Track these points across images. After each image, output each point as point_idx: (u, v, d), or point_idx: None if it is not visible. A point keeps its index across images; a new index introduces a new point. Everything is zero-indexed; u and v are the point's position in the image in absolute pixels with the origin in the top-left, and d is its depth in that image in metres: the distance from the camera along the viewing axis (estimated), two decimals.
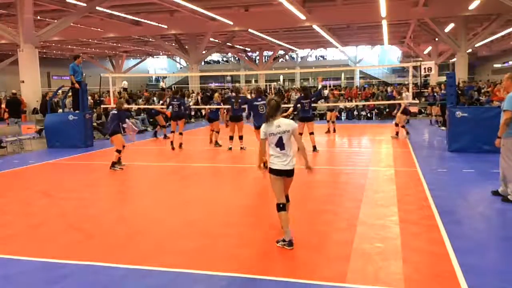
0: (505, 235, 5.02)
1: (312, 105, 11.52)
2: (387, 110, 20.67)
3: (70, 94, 14.55)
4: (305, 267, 4.18)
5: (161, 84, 39.46)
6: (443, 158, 10.03)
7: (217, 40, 32.63)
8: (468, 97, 19.43)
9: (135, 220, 5.85)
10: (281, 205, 4.66)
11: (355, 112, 21.38)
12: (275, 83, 37.70)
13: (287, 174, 4.68)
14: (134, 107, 18.55)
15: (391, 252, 4.47)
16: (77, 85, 12.97)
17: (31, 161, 10.76)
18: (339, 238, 4.94)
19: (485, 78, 40.33)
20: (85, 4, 19.78)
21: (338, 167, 9.72)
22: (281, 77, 47.55)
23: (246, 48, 41.31)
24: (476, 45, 30.52)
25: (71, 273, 4.18)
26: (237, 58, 50.73)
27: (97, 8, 20.35)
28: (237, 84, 45.26)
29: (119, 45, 36.54)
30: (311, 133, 11.11)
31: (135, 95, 24.97)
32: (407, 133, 13.52)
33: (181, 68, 55.71)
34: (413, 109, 18.28)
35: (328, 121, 15.81)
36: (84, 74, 13.99)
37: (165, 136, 14.71)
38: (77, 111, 13.22)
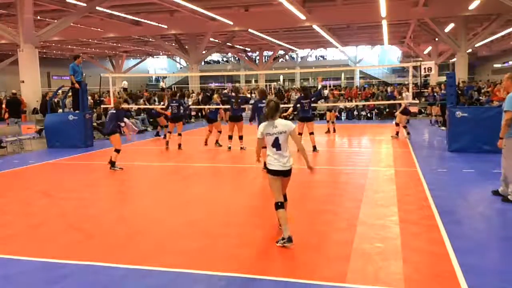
0: (505, 235, 5.03)
1: (312, 105, 11.53)
2: (387, 110, 20.69)
3: (70, 94, 14.55)
4: (305, 267, 4.18)
5: (161, 84, 39.46)
6: (443, 158, 10.03)
7: (217, 40, 32.62)
8: (468, 97, 19.45)
9: (135, 220, 5.85)
10: (279, 204, 4.73)
11: (355, 112, 21.38)
12: (275, 83, 37.65)
13: (284, 174, 4.75)
14: (134, 107, 18.54)
15: (391, 252, 4.47)
16: (77, 85, 12.98)
17: (31, 161, 10.77)
18: (339, 238, 4.94)
19: (485, 78, 40.31)
20: (85, 4, 19.78)
21: (338, 167, 9.73)
22: (281, 77, 47.51)
23: (246, 48, 41.29)
24: (476, 45, 30.51)
25: (71, 273, 4.18)
26: (237, 58, 50.73)
27: (97, 8, 20.34)
28: (237, 84, 45.24)
29: (119, 45, 36.54)
30: (311, 133, 11.11)
31: (135, 95, 24.95)
32: (408, 133, 13.52)
33: (181, 68, 55.69)
34: (413, 109, 18.30)
35: (328, 121, 15.82)
36: (84, 74, 13.98)
37: (165, 136, 14.67)
38: (77, 111, 13.22)
